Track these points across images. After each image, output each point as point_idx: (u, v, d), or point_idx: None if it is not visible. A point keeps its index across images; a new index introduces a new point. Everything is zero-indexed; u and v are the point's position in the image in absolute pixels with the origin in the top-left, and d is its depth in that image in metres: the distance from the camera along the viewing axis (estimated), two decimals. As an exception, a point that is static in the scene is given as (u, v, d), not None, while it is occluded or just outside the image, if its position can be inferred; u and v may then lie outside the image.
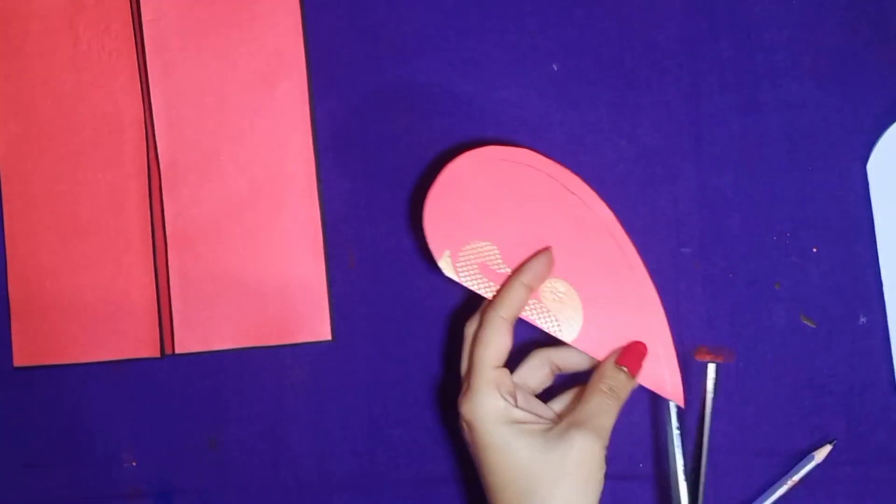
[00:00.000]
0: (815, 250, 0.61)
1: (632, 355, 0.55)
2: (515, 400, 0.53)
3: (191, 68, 0.64)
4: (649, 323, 0.56)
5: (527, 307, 0.56)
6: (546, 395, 0.57)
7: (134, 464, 0.63)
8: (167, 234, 0.63)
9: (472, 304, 0.62)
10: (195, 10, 0.64)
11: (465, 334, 0.56)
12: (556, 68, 0.63)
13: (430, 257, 0.57)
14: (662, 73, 0.63)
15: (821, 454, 0.60)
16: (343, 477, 0.63)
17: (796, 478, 0.59)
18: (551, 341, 0.57)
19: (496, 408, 0.52)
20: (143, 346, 0.63)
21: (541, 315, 0.56)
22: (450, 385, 0.63)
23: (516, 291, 0.55)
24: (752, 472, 0.61)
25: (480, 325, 0.54)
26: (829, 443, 0.60)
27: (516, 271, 0.56)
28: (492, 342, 0.53)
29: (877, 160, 0.61)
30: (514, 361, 0.56)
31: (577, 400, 0.55)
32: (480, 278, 0.56)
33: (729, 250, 0.62)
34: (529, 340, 0.59)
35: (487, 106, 0.63)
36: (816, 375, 0.61)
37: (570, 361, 0.57)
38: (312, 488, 0.63)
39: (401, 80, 0.63)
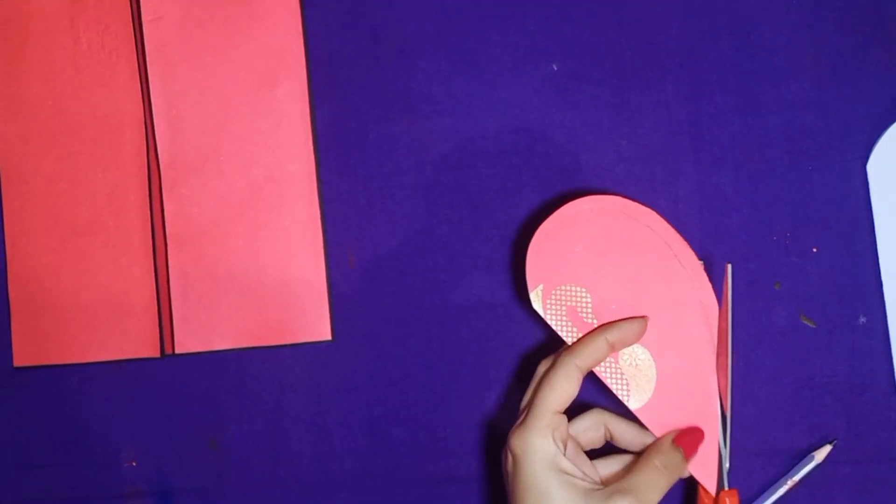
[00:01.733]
0: (815, 250, 0.61)
1: (690, 439, 0.54)
2: (565, 449, 0.52)
3: (191, 68, 0.64)
4: (708, 416, 0.55)
5: (602, 364, 0.55)
6: (592, 455, 0.56)
7: (134, 464, 0.63)
8: (167, 234, 0.63)
9: (471, 306, 0.62)
10: (195, 10, 0.64)
11: (537, 371, 0.54)
12: (556, 68, 0.63)
13: (520, 285, 0.56)
14: (662, 73, 0.63)
15: (821, 454, 0.60)
16: (343, 477, 0.63)
17: (796, 478, 0.59)
18: (612, 404, 0.56)
19: (547, 451, 0.51)
20: (143, 346, 0.63)
21: (613, 375, 0.55)
22: (449, 384, 0.63)
23: (598, 345, 0.53)
24: (752, 472, 0.61)
25: (552, 367, 0.53)
26: (829, 443, 0.60)
27: (604, 326, 0.54)
28: (559, 386, 0.52)
29: (877, 160, 0.61)
30: (570, 413, 0.54)
31: (626, 469, 0.54)
32: (565, 321, 0.55)
33: (729, 250, 0.62)
34: (590, 398, 0.58)
35: (487, 106, 0.63)
36: (816, 375, 0.61)
37: (624, 436, 0.56)
38: (312, 488, 0.63)
39: (401, 80, 0.63)
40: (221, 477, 0.63)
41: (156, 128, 0.64)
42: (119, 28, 0.64)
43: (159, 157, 0.64)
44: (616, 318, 0.55)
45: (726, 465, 0.55)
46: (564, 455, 0.51)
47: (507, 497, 0.53)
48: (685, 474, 0.54)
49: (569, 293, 0.55)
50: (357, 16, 0.64)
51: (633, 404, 0.55)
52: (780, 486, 0.59)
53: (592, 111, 0.63)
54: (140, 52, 0.64)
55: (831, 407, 0.61)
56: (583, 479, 0.51)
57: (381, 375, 0.63)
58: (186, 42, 0.64)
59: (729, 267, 0.55)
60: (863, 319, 0.61)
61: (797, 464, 0.60)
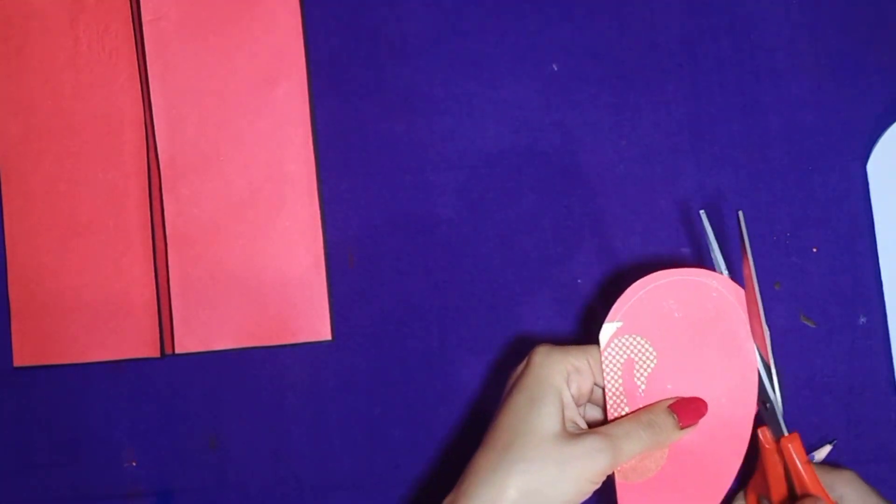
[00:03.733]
0: (815, 250, 0.61)
1: (689, 408, 0.52)
2: (573, 394, 0.52)
3: (191, 68, 0.64)
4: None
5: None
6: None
7: (134, 464, 0.63)
8: (167, 233, 0.63)
9: (471, 306, 0.62)
10: (195, 10, 0.64)
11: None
12: (556, 68, 0.63)
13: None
14: (662, 73, 0.63)
15: (821, 454, 0.60)
16: (343, 477, 0.63)
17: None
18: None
19: (562, 371, 0.51)
20: (143, 346, 0.63)
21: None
22: (449, 384, 0.63)
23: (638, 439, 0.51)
24: (752, 471, 0.61)
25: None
26: (829, 443, 0.60)
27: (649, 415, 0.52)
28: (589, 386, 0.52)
29: (877, 160, 0.61)
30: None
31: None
32: (617, 370, 0.53)
33: (729, 250, 0.62)
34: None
35: (487, 106, 0.63)
36: (816, 375, 0.61)
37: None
38: (312, 488, 0.63)
39: (401, 80, 0.64)
40: (221, 477, 0.63)
41: (156, 128, 0.64)
42: (119, 28, 0.64)
43: (159, 157, 0.64)
44: (662, 398, 0.53)
45: (780, 410, 0.53)
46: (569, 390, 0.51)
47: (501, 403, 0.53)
48: (673, 439, 0.52)
49: (638, 346, 0.53)
50: (357, 16, 0.64)
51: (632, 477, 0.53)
52: (780, 486, 0.59)
53: (592, 111, 0.63)
54: (140, 52, 0.64)
55: (831, 407, 0.61)
56: (572, 413, 0.51)
57: (381, 375, 0.63)
58: (186, 42, 0.64)
59: (741, 214, 0.51)
60: (863, 319, 0.61)
61: (797, 464, 0.60)
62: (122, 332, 0.63)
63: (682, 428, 0.52)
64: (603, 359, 0.52)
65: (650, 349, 0.53)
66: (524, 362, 0.52)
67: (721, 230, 0.62)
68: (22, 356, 0.64)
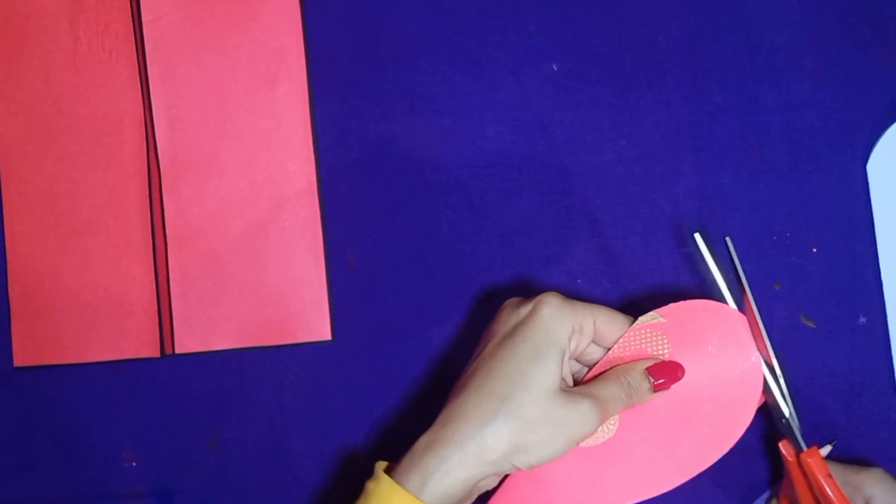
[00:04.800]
0: (815, 250, 0.61)
1: (664, 372, 0.53)
2: (572, 353, 0.52)
3: (191, 68, 0.64)
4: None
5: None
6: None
7: (134, 464, 0.63)
8: (167, 234, 0.63)
9: (471, 306, 0.62)
10: (195, 10, 0.64)
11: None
12: (556, 68, 0.63)
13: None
14: (662, 73, 0.63)
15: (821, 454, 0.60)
16: (343, 477, 0.63)
17: (796, 478, 0.59)
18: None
19: (568, 329, 0.51)
20: (143, 345, 0.63)
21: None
22: (449, 384, 0.63)
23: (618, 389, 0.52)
24: (752, 472, 0.61)
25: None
26: (829, 443, 0.60)
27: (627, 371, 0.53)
28: (608, 326, 0.52)
29: (877, 160, 0.61)
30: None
31: (596, 377, 0.53)
32: (629, 347, 0.53)
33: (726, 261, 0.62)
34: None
35: (487, 106, 0.63)
36: (816, 375, 0.61)
37: (605, 330, 0.54)
38: (312, 488, 0.63)
39: (401, 80, 0.64)
40: (221, 477, 0.63)
41: (156, 128, 0.64)
42: (119, 28, 0.64)
43: (159, 157, 0.64)
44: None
45: (797, 425, 0.53)
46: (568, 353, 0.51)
47: (489, 329, 0.53)
48: (644, 399, 0.52)
49: (657, 343, 0.54)
50: (357, 16, 0.64)
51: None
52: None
53: (592, 111, 0.63)
54: (140, 52, 0.64)
55: (831, 407, 0.61)
56: (566, 373, 0.52)
57: (381, 375, 0.63)
58: (186, 42, 0.64)
59: (728, 240, 0.52)
60: (863, 319, 0.61)
61: (797, 464, 0.60)
62: (122, 332, 0.63)
63: (654, 391, 0.52)
64: (628, 332, 0.53)
65: (665, 351, 0.53)
66: (529, 306, 0.51)
67: (721, 231, 0.62)
68: (22, 356, 0.64)
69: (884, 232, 0.61)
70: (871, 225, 0.61)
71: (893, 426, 0.60)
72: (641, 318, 0.53)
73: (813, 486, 0.53)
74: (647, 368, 0.53)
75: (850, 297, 0.61)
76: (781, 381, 0.53)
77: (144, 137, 0.64)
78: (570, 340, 0.51)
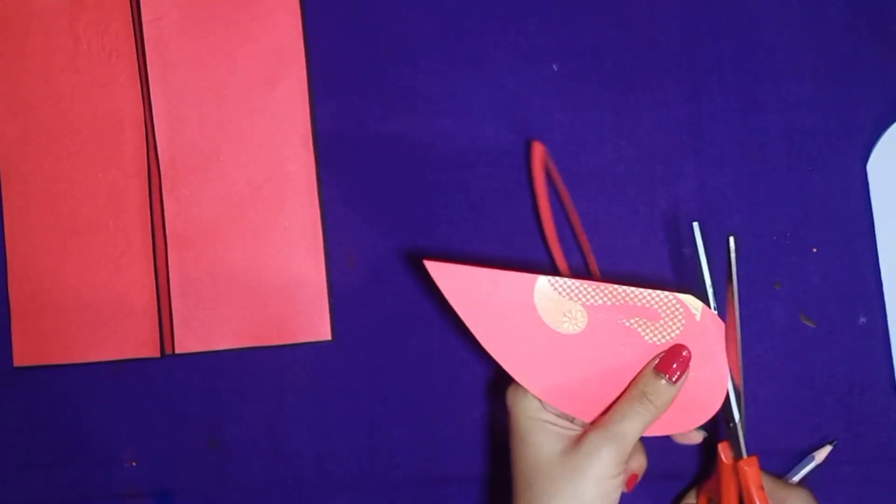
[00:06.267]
0: (815, 250, 0.61)
1: (672, 360, 0.52)
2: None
3: (191, 68, 0.64)
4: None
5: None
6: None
7: (134, 464, 0.63)
8: (167, 234, 0.63)
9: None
10: (195, 10, 0.64)
11: None
12: (556, 68, 0.63)
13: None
14: (662, 73, 0.63)
15: (821, 454, 0.60)
16: (343, 477, 0.63)
17: (796, 478, 0.59)
18: None
19: (532, 402, 0.53)
20: (143, 346, 0.63)
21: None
22: (449, 384, 0.63)
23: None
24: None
25: None
26: (829, 443, 0.60)
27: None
28: None
29: (877, 160, 0.61)
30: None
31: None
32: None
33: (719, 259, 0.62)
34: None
35: (487, 106, 0.63)
36: (816, 375, 0.61)
37: None
38: (312, 488, 0.63)
39: (401, 80, 0.64)
40: (221, 477, 0.63)
41: (156, 128, 0.64)
42: (119, 28, 0.64)
43: (159, 157, 0.64)
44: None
45: (742, 432, 0.54)
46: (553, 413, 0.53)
47: (510, 459, 0.54)
48: (671, 398, 0.52)
49: (573, 291, 0.53)
50: (357, 16, 0.64)
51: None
52: (780, 486, 0.59)
53: (592, 111, 0.63)
54: (140, 52, 0.64)
55: (831, 407, 0.61)
56: (567, 428, 0.52)
57: (381, 375, 0.63)
58: (186, 42, 0.64)
59: (731, 240, 0.51)
60: (863, 319, 0.61)
61: (797, 464, 0.60)
62: (122, 332, 0.63)
63: (674, 383, 0.52)
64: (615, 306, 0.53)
65: (650, 334, 0.53)
66: (507, 414, 0.54)
67: (719, 229, 0.62)
68: (22, 356, 0.64)
69: (884, 232, 0.61)
70: (871, 225, 0.61)
71: (893, 426, 0.60)
72: (627, 290, 0.53)
73: (743, 494, 0.53)
74: (656, 367, 0.52)
75: (850, 297, 0.61)
76: (740, 387, 0.53)
77: (144, 137, 0.64)
78: (542, 405, 0.53)
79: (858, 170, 0.61)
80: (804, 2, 0.62)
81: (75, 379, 0.64)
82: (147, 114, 0.64)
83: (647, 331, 0.53)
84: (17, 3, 0.65)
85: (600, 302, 0.53)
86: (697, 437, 0.55)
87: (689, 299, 0.52)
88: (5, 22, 0.65)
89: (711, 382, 0.53)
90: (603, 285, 0.53)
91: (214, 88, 0.64)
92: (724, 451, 0.54)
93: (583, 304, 0.53)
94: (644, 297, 0.53)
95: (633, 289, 0.53)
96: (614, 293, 0.53)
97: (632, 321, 0.53)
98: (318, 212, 0.63)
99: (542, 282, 0.53)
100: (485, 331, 0.54)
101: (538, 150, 0.56)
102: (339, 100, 0.64)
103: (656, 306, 0.53)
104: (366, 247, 0.63)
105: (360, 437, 0.63)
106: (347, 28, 0.64)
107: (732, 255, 0.52)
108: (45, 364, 0.64)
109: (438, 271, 0.53)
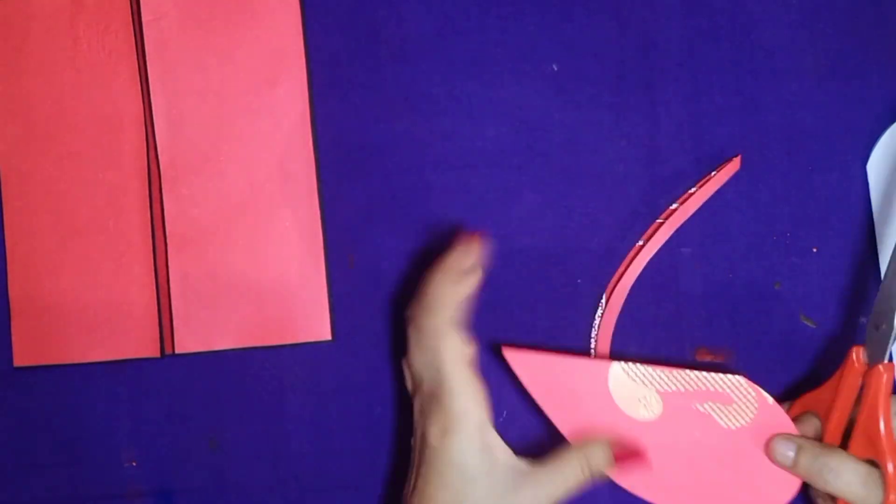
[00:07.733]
0: (815, 250, 0.61)
1: (626, 456, 0.54)
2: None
3: (191, 68, 0.64)
4: None
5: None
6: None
7: (134, 464, 0.63)
8: (167, 234, 0.63)
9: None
10: (195, 10, 0.64)
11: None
12: (556, 68, 0.63)
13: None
14: (662, 73, 0.63)
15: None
16: (343, 477, 0.63)
17: (796, 478, 0.59)
18: None
19: (478, 417, 0.53)
20: (143, 346, 0.63)
21: None
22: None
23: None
24: None
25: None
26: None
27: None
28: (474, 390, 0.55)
29: (877, 160, 0.61)
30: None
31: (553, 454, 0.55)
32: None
33: (729, 250, 0.62)
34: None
35: (487, 106, 0.63)
36: (816, 376, 0.61)
37: None
38: (312, 488, 0.63)
39: (401, 80, 0.64)
40: (221, 477, 0.63)
41: (156, 128, 0.64)
42: (119, 28, 0.64)
43: (159, 157, 0.64)
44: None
45: (892, 338, 0.53)
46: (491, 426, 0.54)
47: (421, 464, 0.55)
48: (599, 477, 0.54)
49: (646, 377, 0.55)
50: (357, 16, 0.64)
51: None
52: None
53: (592, 111, 0.63)
54: (140, 52, 0.64)
55: (831, 407, 0.61)
56: (508, 453, 0.53)
57: (381, 375, 0.63)
58: (186, 42, 0.64)
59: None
60: (863, 319, 0.61)
61: (797, 464, 0.60)
62: (122, 332, 0.63)
63: (607, 470, 0.54)
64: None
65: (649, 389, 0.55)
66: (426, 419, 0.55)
67: (719, 229, 0.62)
68: (22, 356, 0.64)
69: (884, 232, 0.61)
70: (871, 225, 0.61)
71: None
72: (700, 375, 0.55)
73: (863, 402, 0.52)
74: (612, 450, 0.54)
75: (850, 297, 0.61)
76: None
77: (144, 137, 0.64)
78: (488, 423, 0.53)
79: (858, 170, 0.61)
80: (804, 2, 0.62)
81: (75, 379, 0.64)
82: (147, 114, 0.64)
83: (722, 415, 0.54)
84: (17, 3, 0.65)
85: (674, 388, 0.54)
86: None
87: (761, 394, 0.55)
88: (5, 22, 0.65)
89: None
90: (676, 371, 0.54)
91: (214, 88, 0.64)
92: (857, 355, 0.53)
93: (657, 391, 0.54)
94: (717, 382, 0.54)
95: (705, 374, 0.54)
96: (687, 378, 0.54)
97: (705, 406, 0.54)
98: (318, 212, 0.63)
99: (616, 368, 0.54)
100: (561, 416, 0.55)
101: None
102: (339, 100, 0.64)
103: (728, 390, 0.54)
104: (366, 247, 0.63)
105: (360, 437, 0.63)
106: (347, 28, 0.64)
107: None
108: (45, 364, 0.64)
109: (515, 359, 0.55)
